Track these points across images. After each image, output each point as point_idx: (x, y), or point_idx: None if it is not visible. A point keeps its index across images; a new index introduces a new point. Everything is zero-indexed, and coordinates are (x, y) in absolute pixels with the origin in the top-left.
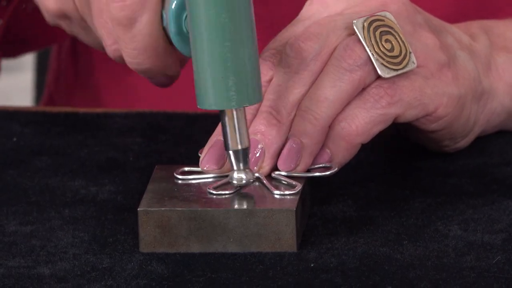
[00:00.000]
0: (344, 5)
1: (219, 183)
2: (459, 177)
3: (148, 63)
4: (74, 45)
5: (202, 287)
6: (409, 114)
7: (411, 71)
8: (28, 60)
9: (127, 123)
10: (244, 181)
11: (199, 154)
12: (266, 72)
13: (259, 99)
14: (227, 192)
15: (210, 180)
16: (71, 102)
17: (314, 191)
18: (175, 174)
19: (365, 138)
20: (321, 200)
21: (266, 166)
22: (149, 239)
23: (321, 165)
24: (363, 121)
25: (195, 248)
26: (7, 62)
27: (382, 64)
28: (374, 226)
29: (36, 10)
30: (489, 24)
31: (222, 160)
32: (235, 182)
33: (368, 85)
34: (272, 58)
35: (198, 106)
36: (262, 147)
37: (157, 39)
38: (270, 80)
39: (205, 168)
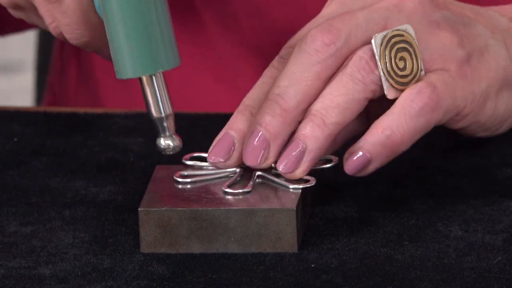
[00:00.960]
0: (361, 4)
1: (231, 181)
2: (460, 177)
3: (85, 36)
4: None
5: (202, 287)
6: (444, 119)
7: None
8: (28, 61)
9: (127, 123)
10: (171, 147)
11: (184, 161)
12: (282, 68)
13: (175, 63)
14: (241, 190)
15: (211, 180)
16: (74, 102)
17: (315, 191)
18: (174, 178)
19: (408, 146)
20: (323, 200)
21: (271, 158)
22: (150, 239)
23: (320, 166)
24: (408, 130)
25: (196, 248)
26: (7, 63)
27: (390, 84)
28: (375, 226)
29: None
30: None
31: (229, 153)
32: (162, 148)
33: (411, 87)
34: (289, 57)
35: (117, 77)
36: (267, 138)
37: (87, 12)
38: None
39: (211, 160)
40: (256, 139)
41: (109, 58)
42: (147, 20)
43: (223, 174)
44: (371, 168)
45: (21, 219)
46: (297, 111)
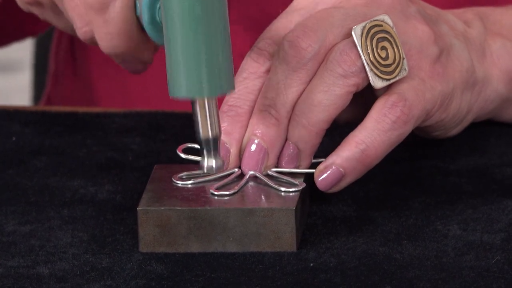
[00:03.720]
0: None
1: (220, 183)
2: (458, 177)
3: (121, 47)
4: (72, 47)
5: (201, 286)
6: (415, 125)
7: (404, 77)
8: (26, 60)
9: (126, 123)
10: (214, 169)
11: (178, 152)
12: (263, 62)
13: (231, 87)
14: (228, 192)
15: (210, 181)
16: (69, 104)
17: (314, 190)
18: (173, 180)
19: (380, 159)
20: (321, 199)
21: (271, 166)
22: (149, 239)
23: (319, 160)
24: (383, 145)
25: (195, 247)
26: (5, 62)
27: (375, 74)
28: (373, 225)
29: (4, 4)
30: (485, 11)
31: (225, 159)
32: (205, 169)
33: (383, 101)
34: (268, 48)
35: (170, 95)
36: (265, 148)
37: (130, 25)
38: (266, 71)
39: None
40: (255, 149)
41: (131, 71)
42: (210, 41)
43: (221, 174)
44: (344, 183)
45: (19, 218)
46: (288, 118)
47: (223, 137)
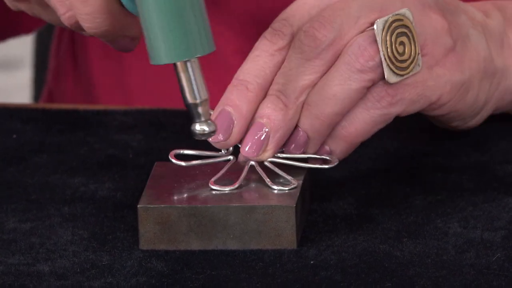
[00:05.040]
0: None
1: (217, 176)
2: (459, 174)
3: (105, 25)
4: (73, 44)
5: (201, 284)
6: (412, 109)
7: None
8: (26, 58)
9: (127, 120)
10: (206, 132)
11: (170, 158)
12: (276, 41)
13: (210, 49)
14: (228, 188)
15: (205, 163)
16: (69, 100)
17: (314, 188)
18: (169, 157)
19: (365, 137)
20: (322, 196)
21: (270, 150)
22: (149, 236)
23: (321, 156)
24: (363, 122)
25: (195, 244)
26: (5, 59)
27: (391, 69)
28: (374, 223)
29: None
30: (504, 3)
31: (228, 131)
32: (197, 133)
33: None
34: (283, 29)
35: (151, 63)
36: (267, 130)
37: (109, 1)
38: (279, 49)
39: (211, 139)
40: (256, 130)
41: (122, 49)
42: (182, 4)
43: (216, 160)
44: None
45: (20, 216)
46: (297, 106)
47: (228, 108)
